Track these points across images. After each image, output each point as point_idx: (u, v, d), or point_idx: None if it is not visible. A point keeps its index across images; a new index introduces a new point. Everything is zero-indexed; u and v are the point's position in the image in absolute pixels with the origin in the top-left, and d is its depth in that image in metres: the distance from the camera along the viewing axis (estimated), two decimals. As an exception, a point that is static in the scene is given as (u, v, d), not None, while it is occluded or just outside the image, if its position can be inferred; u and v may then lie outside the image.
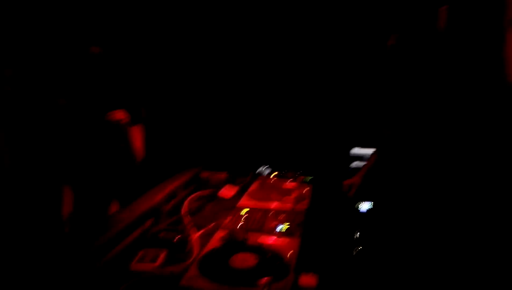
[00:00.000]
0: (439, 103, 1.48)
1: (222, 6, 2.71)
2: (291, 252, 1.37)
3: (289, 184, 2.20)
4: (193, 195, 1.94)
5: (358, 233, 2.09)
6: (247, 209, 1.81)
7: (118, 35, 2.31)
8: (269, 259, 1.32)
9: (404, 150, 1.62)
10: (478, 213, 1.39)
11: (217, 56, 2.81)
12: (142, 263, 1.32)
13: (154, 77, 2.79)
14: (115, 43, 1.98)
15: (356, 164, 2.69)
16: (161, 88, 2.83)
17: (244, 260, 1.29)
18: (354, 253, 2.01)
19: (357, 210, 2.26)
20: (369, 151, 2.33)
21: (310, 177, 2.26)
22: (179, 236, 1.48)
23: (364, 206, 2.25)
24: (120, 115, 1.76)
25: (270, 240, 1.49)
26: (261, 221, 1.70)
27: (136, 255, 1.36)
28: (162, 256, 1.35)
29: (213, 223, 1.66)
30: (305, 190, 2.08)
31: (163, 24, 2.73)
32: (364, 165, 2.08)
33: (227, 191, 2.12)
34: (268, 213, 1.79)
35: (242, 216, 1.74)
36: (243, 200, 1.94)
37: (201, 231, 1.58)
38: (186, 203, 1.82)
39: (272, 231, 1.59)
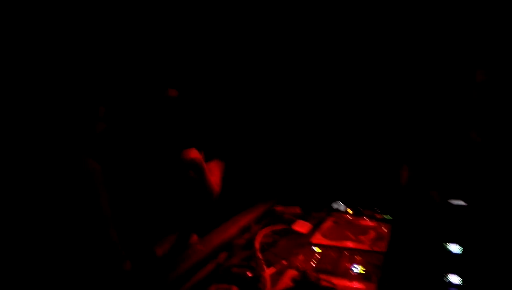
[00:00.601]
0: None
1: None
2: (367, 298, 1.29)
3: (366, 222, 2.10)
4: (265, 230, 1.93)
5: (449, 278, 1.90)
6: (320, 249, 1.75)
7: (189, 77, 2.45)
8: (343, 304, 1.25)
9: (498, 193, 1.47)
10: None
11: (288, 93, 2.85)
12: (214, 299, 1.33)
13: (227, 113, 2.89)
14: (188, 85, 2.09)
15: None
16: (237, 123, 2.93)
17: (316, 304, 1.24)
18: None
19: (445, 250, 2.06)
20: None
21: (389, 216, 2.13)
22: (250, 273, 1.47)
23: (454, 246, 2.05)
24: (193, 154, 1.83)
25: (344, 283, 1.41)
26: (335, 261, 1.63)
27: (209, 290, 1.38)
28: (233, 292, 1.36)
29: (285, 261, 1.63)
30: (383, 229, 1.96)
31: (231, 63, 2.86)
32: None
33: (301, 227, 2.08)
34: (342, 252, 1.72)
35: (315, 254, 1.69)
36: (317, 237, 1.89)
37: (273, 269, 1.56)
38: (258, 238, 1.81)
39: (346, 273, 1.52)
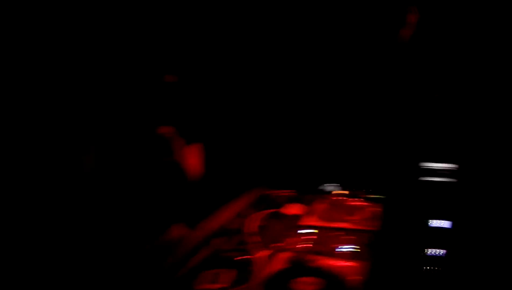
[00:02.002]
0: None
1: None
2: (358, 276, 1.30)
3: (357, 202, 2.11)
4: (259, 214, 1.94)
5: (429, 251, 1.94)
6: (314, 230, 1.76)
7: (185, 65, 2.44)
8: (335, 284, 1.27)
9: (481, 166, 1.49)
10: None
11: (278, 80, 2.84)
12: (208, 283, 1.34)
13: (218, 100, 2.88)
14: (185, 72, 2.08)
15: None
16: (227, 107, 2.92)
17: (308, 284, 1.26)
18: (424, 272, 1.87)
19: (427, 226, 2.10)
20: (441, 165, 2.16)
21: (381, 196, 2.15)
22: (244, 257, 1.49)
23: (436, 222, 2.08)
24: (164, 129, 1.82)
25: (337, 263, 1.43)
26: (327, 242, 1.64)
27: (202, 276, 1.39)
28: (227, 276, 1.37)
29: (278, 243, 1.64)
30: (375, 209, 1.98)
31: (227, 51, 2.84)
32: None
33: (294, 210, 2.09)
34: (334, 233, 1.74)
35: (307, 236, 1.70)
36: (310, 219, 1.90)
37: (266, 252, 1.57)
38: (251, 222, 1.83)
39: (338, 253, 1.53)
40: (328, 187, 2.35)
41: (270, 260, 1.50)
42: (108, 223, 1.62)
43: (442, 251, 1.88)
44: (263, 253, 1.55)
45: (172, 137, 1.84)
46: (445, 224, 2.03)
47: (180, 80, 2.04)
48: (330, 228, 1.78)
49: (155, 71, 1.97)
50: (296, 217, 2.00)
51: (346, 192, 2.26)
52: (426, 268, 1.86)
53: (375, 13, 2.35)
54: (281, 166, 2.75)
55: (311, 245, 1.62)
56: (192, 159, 1.97)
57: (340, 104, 2.72)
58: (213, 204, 2.11)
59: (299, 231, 1.75)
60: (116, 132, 1.85)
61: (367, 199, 2.13)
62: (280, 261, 1.46)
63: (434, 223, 1.98)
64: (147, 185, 1.88)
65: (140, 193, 1.86)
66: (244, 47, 2.76)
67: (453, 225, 1.95)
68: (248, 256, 1.50)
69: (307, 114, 2.79)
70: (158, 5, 2.17)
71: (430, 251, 1.89)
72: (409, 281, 1.59)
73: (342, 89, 2.69)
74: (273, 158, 2.80)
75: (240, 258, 1.48)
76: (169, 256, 1.44)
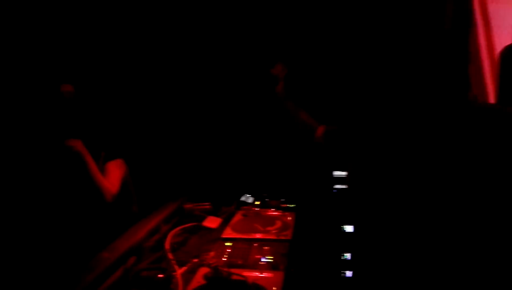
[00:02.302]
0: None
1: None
2: (275, 286, 1.36)
3: (272, 212, 2.20)
4: (175, 230, 1.92)
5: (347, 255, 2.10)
6: (230, 243, 1.79)
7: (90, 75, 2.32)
8: (254, 295, 1.31)
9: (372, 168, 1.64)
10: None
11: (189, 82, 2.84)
12: (124, 306, 1.29)
13: (132, 108, 2.79)
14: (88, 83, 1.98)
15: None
16: (142, 119, 2.84)
17: (228, 298, 1.28)
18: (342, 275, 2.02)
19: (342, 231, 2.26)
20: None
21: (293, 205, 2.27)
22: (161, 274, 1.46)
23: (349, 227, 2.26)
24: (74, 142, 1.73)
25: (255, 274, 1.48)
26: (245, 254, 1.69)
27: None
28: (144, 297, 1.33)
29: (196, 259, 1.64)
30: (288, 218, 2.08)
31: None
32: None
33: (211, 223, 2.10)
34: (252, 245, 1.79)
35: (225, 249, 1.73)
36: (227, 232, 1.93)
37: (184, 268, 1.56)
38: (168, 238, 1.79)
39: (256, 264, 1.59)
40: (244, 198, 2.40)
41: (189, 276, 1.49)
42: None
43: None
44: (182, 269, 1.53)
45: (81, 151, 1.73)
46: (350, 228, 2.21)
47: (81, 90, 1.94)
48: (247, 239, 1.83)
49: (54, 81, 1.86)
50: (214, 230, 2.02)
51: (260, 202, 2.34)
52: (343, 273, 2.00)
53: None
54: (197, 178, 2.75)
55: (229, 258, 1.65)
56: (111, 176, 1.87)
57: (252, 116, 2.81)
58: (128, 219, 2.03)
59: (217, 245, 1.77)
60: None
61: (281, 209, 2.23)
62: (199, 276, 1.47)
63: (348, 228, 2.15)
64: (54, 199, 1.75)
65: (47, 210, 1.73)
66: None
67: (354, 229, 2.13)
68: (167, 274, 1.47)
69: (223, 127, 2.84)
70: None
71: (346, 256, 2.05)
72: (327, 287, 1.70)
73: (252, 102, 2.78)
74: (192, 171, 2.79)
75: (158, 276, 1.45)
76: (78, 282, 1.35)
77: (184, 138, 2.84)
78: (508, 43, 1.64)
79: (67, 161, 1.66)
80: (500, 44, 2.23)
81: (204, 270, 1.49)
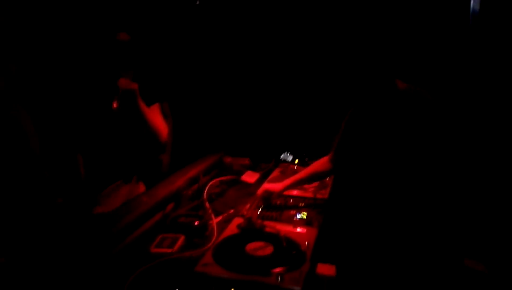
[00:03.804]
0: None
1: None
2: (308, 241, 1.35)
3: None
4: (214, 181, 1.95)
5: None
6: (268, 197, 1.79)
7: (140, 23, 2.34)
8: (285, 248, 1.31)
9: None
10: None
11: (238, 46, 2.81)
12: (160, 247, 1.34)
13: (178, 62, 2.81)
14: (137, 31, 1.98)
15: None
16: (185, 74, 2.85)
17: (259, 249, 1.29)
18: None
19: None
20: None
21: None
22: (197, 221, 1.49)
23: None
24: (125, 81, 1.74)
25: (288, 228, 1.47)
26: (279, 209, 1.69)
27: (155, 240, 1.39)
28: (180, 241, 1.38)
29: (232, 210, 1.67)
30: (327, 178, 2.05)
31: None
32: None
33: (249, 177, 2.12)
34: (288, 201, 1.79)
35: (261, 203, 1.74)
36: (264, 187, 1.93)
37: (220, 217, 1.59)
38: (206, 188, 1.83)
39: (290, 220, 1.59)
40: (284, 156, 2.39)
41: (224, 225, 1.52)
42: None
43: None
44: (217, 219, 1.56)
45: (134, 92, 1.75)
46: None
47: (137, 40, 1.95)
48: (283, 195, 1.82)
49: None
50: (251, 184, 2.03)
51: (300, 161, 2.31)
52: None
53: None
54: (239, 133, 2.75)
55: (263, 212, 1.66)
56: (157, 117, 1.90)
57: (298, 74, 2.73)
58: (170, 170, 2.09)
59: (252, 198, 1.78)
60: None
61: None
62: (233, 227, 1.49)
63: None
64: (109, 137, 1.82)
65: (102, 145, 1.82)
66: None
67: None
68: (203, 221, 1.51)
69: (266, 83, 2.79)
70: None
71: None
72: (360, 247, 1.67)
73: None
74: (232, 126, 2.80)
75: (194, 223, 1.49)
76: (118, 222, 1.41)
77: (228, 93, 2.84)
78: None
79: (123, 100, 1.69)
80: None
81: (238, 221, 1.52)
